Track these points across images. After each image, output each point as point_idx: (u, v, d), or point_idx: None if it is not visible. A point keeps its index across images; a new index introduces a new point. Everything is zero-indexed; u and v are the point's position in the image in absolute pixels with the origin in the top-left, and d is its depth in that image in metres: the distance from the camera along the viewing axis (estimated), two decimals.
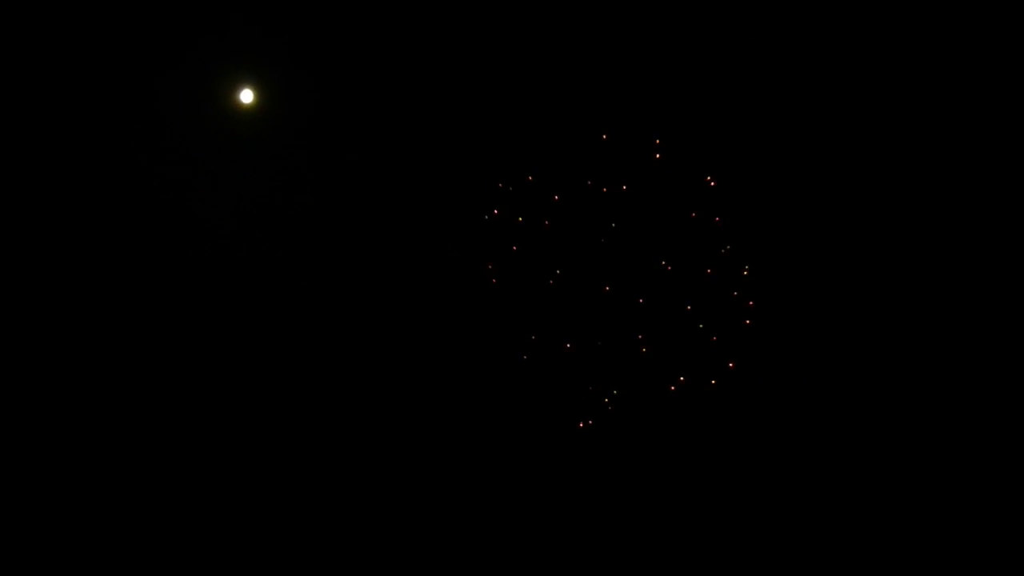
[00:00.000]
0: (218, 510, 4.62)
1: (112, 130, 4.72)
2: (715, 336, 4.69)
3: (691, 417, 4.75)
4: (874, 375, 4.67)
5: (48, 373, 4.60)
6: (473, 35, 4.86)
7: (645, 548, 4.58)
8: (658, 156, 4.74)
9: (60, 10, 4.58)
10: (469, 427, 4.77)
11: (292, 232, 4.81)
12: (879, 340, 4.70)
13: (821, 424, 4.67)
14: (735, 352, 4.70)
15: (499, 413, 4.77)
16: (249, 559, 4.52)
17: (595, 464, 4.72)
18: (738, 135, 4.81)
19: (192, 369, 4.73)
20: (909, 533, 4.49)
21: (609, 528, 4.63)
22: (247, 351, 4.76)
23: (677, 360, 4.69)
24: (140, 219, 4.77)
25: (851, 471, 4.61)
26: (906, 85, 4.78)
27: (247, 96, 4.76)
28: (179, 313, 4.72)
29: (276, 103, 4.78)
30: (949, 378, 4.61)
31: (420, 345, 4.78)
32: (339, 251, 4.84)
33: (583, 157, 4.77)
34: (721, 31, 4.77)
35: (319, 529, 4.62)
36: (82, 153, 4.72)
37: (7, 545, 4.45)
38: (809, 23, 4.78)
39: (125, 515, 4.57)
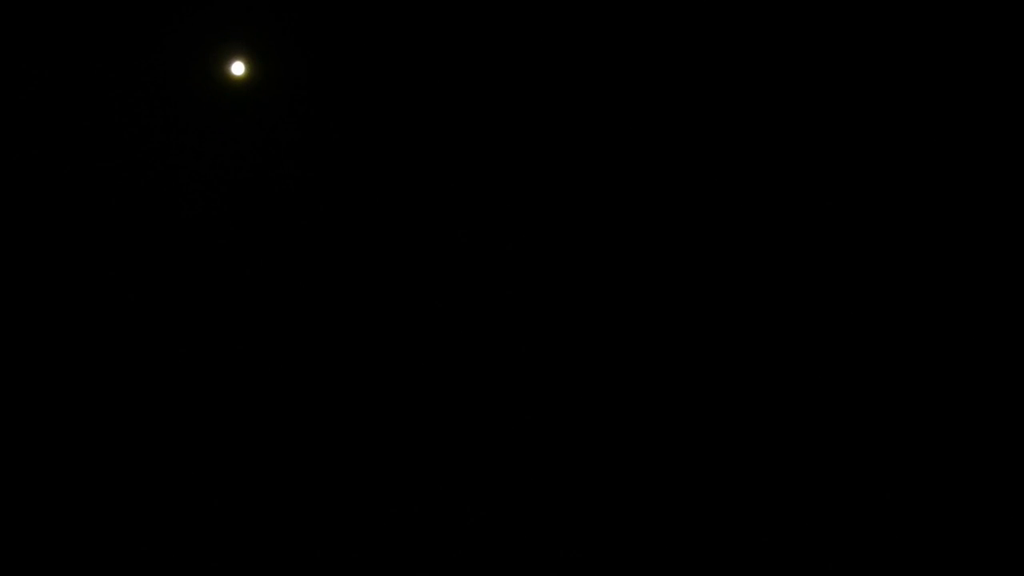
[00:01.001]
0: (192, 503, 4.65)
1: (98, 104, 4.71)
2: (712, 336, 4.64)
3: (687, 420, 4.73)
4: (871, 376, 4.62)
5: (32, 355, 4.63)
6: (474, 20, 4.83)
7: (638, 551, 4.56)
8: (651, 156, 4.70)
9: None
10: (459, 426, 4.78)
11: (283, 209, 4.78)
12: (877, 341, 4.65)
13: (817, 426, 4.63)
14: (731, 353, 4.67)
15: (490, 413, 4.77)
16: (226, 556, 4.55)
17: (587, 467, 4.71)
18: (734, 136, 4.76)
19: (182, 352, 4.76)
20: (908, 533, 4.45)
21: (602, 530, 4.62)
22: (235, 332, 4.77)
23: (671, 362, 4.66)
24: (129, 193, 4.76)
25: (848, 473, 4.57)
26: (906, 87, 4.74)
27: (239, 68, 4.73)
28: (167, 291, 4.73)
29: (269, 76, 4.73)
30: (949, 379, 4.56)
31: (412, 336, 4.77)
32: (332, 230, 4.82)
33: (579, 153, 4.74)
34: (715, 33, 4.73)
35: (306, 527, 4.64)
36: (68, 128, 4.71)
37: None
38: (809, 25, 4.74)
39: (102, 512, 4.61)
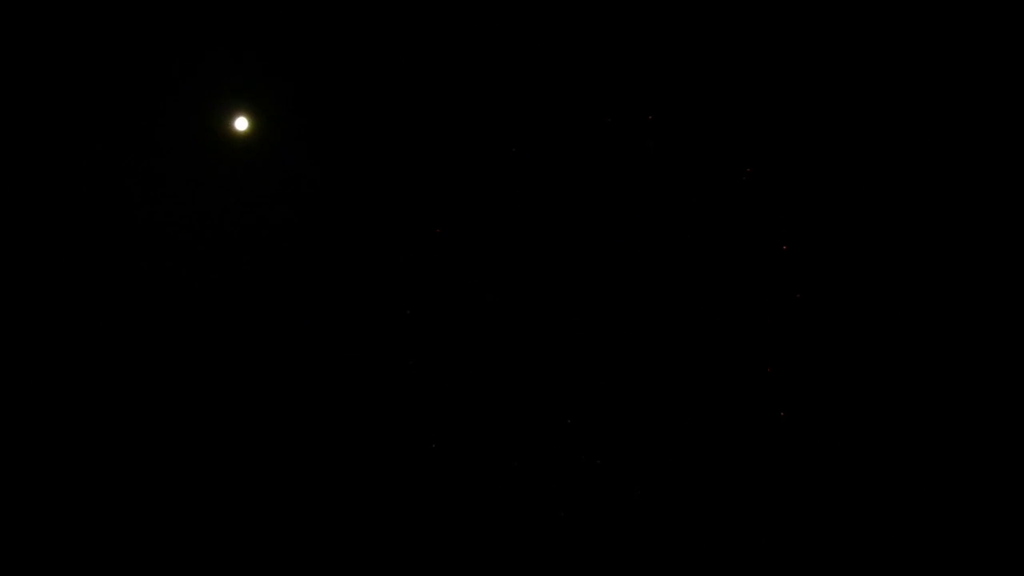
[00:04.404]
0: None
1: (106, 158, 4.84)
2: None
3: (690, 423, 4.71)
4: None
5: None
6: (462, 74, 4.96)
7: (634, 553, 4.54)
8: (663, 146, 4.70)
9: (58, 31, 4.72)
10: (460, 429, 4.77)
11: (284, 256, 4.89)
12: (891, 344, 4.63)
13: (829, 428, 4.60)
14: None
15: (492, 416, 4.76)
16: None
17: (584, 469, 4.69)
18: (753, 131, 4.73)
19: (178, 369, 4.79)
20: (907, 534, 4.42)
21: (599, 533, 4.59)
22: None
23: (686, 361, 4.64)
24: (135, 244, 4.87)
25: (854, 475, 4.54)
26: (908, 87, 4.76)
27: (242, 123, 4.87)
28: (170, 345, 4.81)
29: (272, 131, 4.89)
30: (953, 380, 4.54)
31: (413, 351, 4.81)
32: (332, 277, 4.92)
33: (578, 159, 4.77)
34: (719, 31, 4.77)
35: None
36: (79, 179, 4.83)
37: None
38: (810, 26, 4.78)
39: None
